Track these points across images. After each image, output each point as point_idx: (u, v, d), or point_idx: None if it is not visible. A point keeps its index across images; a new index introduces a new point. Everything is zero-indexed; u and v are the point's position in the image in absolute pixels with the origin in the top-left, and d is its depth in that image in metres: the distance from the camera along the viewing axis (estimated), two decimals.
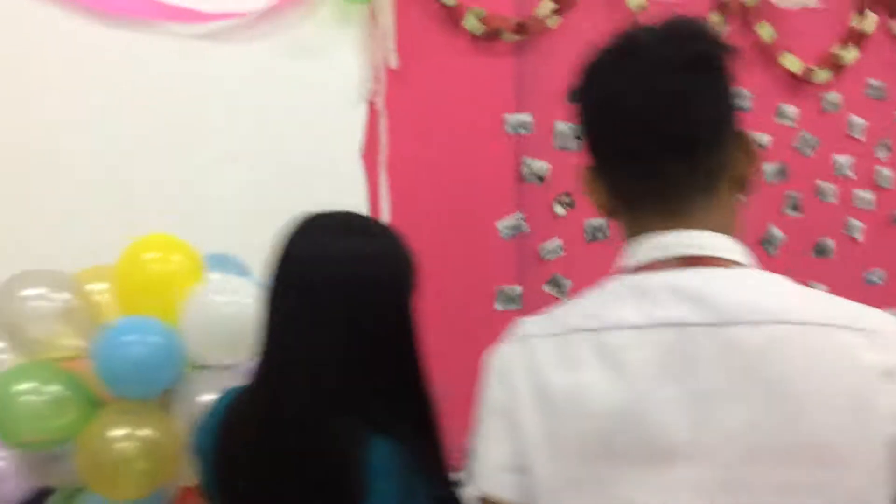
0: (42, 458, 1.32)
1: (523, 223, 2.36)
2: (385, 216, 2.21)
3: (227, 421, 1.04)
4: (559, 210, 2.40)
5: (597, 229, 2.44)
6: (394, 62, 2.17)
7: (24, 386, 1.25)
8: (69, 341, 1.31)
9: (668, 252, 0.84)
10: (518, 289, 2.36)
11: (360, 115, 2.20)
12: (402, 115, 2.23)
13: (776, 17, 2.56)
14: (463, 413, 2.29)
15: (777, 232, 2.65)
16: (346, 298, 0.96)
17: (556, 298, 2.40)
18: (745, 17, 2.52)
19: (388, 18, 2.18)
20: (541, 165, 2.37)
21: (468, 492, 0.90)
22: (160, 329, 1.29)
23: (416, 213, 2.25)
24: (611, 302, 0.85)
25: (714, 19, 2.45)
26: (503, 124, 2.32)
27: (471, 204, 2.31)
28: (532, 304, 2.38)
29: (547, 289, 2.40)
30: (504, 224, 2.34)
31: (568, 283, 2.42)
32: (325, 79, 2.17)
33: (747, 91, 2.55)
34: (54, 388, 1.26)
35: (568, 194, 2.40)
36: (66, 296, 1.31)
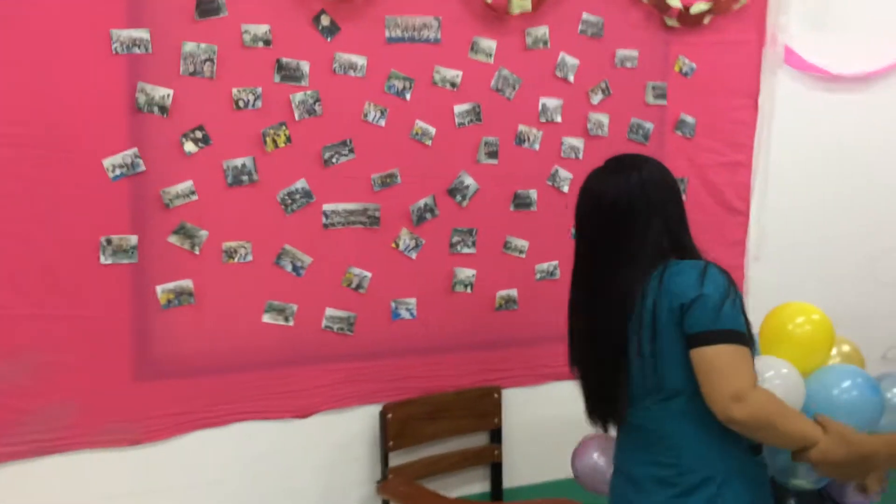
0: None
1: (139, 161, 1.99)
2: None
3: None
4: (189, 147, 2.04)
5: (240, 171, 2.09)
6: None
7: None
8: None
9: None
10: (133, 239, 2.00)
11: None
12: None
13: None
14: (65, 381, 1.92)
15: (470, 180, 2.39)
16: (649, 203, 1.52)
17: (187, 251, 2.06)
18: None
19: None
20: (164, 93, 1.99)
21: None
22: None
23: None
24: None
25: None
26: (109, 41, 1.92)
27: (65, 138, 1.91)
28: (152, 257, 2.03)
29: (173, 239, 2.05)
30: (112, 162, 1.96)
31: (204, 233, 2.07)
32: None
33: (434, 20, 2.25)
34: None
35: (202, 129, 2.04)
36: None
